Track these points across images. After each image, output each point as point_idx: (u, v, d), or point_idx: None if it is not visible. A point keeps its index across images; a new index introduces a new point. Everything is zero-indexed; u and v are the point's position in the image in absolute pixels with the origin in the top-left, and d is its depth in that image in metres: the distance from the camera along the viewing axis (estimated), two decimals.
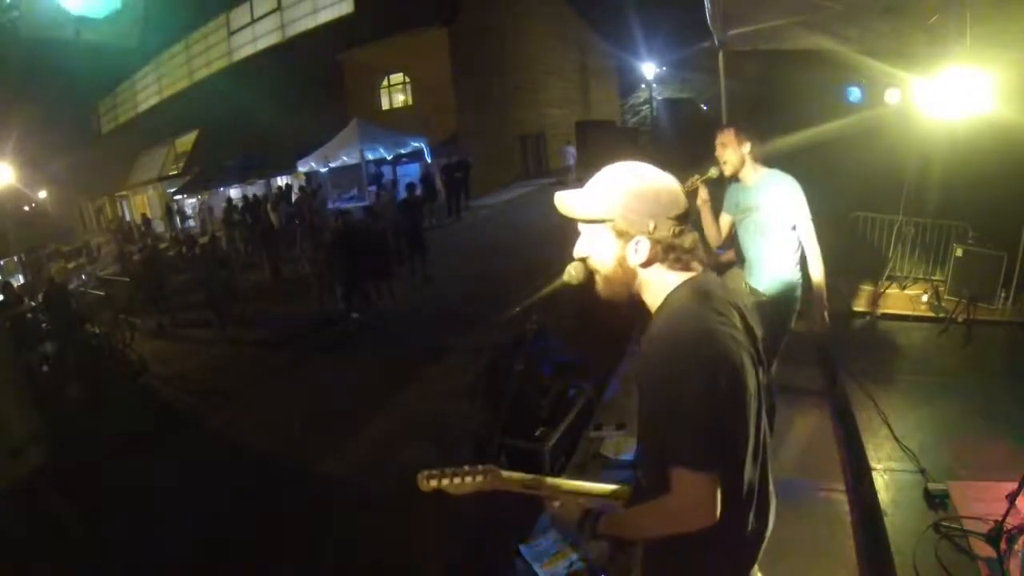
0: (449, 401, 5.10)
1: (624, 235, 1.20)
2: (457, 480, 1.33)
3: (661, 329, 1.18)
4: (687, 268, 1.23)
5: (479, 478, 1.34)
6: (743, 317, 1.23)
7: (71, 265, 15.48)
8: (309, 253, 9.81)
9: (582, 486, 1.44)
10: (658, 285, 1.23)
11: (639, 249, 1.19)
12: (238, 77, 22.86)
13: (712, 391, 1.09)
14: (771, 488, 1.31)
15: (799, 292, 2.89)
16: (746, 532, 1.25)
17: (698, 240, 1.24)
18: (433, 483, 1.33)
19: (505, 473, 1.37)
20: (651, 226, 1.18)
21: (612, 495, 1.44)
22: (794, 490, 2.92)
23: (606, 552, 2.54)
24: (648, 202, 1.19)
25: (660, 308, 1.22)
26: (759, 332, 1.28)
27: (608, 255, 1.23)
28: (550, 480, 1.42)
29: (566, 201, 1.24)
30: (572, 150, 18.01)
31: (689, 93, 22.84)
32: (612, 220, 1.20)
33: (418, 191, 11.62)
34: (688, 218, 1.22)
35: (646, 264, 1.21)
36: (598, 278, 1.27)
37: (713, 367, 1.10)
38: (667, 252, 1.20)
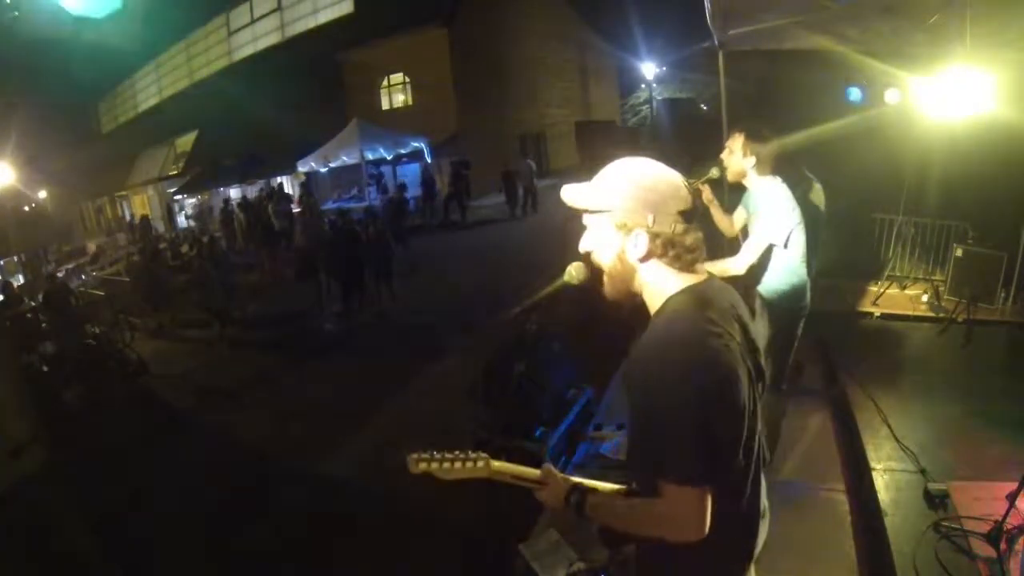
0: (449, 401, 5.09)
1: (623, 228, 1.19)
2: (447, 465, 1.31)
3: (652, 336, 1.16)
4: (689, 269, 1.20)
5: (469, 464, 1.32)
6: (744, 329, 1.20)
7: (71, 265, 15.50)
8: (295, 252, 9.91)
9: (571, 479, 1.44)
10: (658, 286, 1.21)
11: (637, 243, 1.18)
12: (238, 77, 22.83)
13: (702, 406, 1.07)
14: (763, 502, 1.30)
15: (804, 299, 2.83)
16: (735, 546, 1.25)
17: (701, 240, 1.21)
18: (423, 466, 1.31)
19: (496, 463, 1.35)
20: (650, 219, 1.17)
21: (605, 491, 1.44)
22: (794, 490, 2.93)
23: (606, 553, 2.54)
24: (648, 194, 1.17)
25: (657, 313, 1.20)
26: (761, 345, 1.26)
27: (609, 249, 1.22)
28: (541, 470, 1.40)
29: (571, 191, 1.24)
30: None
31: (689, 93, 22.84)
32: (612, 211, 1.19)
33: (406, 192, 12.28)
34: (693, 216, 1.19)
35: (645, 259, 1.19)
36: (604, 275, 1.26)
37: (701, 377, 1.07)
38: (666, 248, 1.18)
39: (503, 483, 1.37)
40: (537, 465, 1.40)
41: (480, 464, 1.33)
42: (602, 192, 1.21)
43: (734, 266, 2.68)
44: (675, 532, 1.13)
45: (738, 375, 1.12)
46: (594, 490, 1.33)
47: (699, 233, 1.21)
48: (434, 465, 1.31)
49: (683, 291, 1.19)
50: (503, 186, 15.73)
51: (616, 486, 1.41)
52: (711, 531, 1.12)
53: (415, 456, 1.31)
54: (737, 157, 2.74)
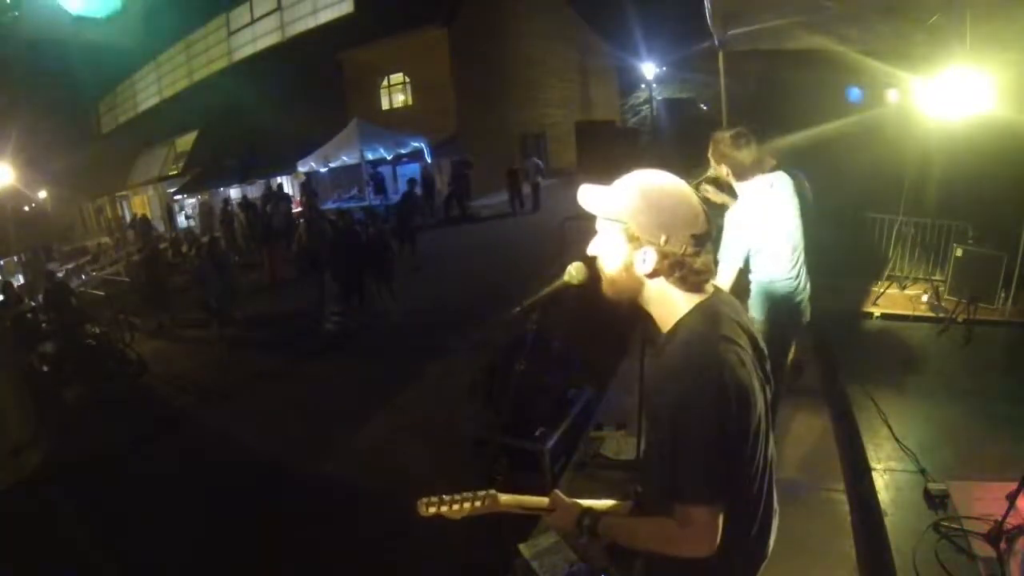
0: (449, 401, 5.10)
1: (635, 241, 1.19)
2: (456, 506, 1.34)
3: (670, 360, 1.17)
4: (696, 289, 1.21)
5: (477, 503, 1.35)
6: (752, 339, 1.23)
7: (71, 265, 15.51)
8: (297, 251, 9.90)
9: (580, 503, 1.46)
10: (664, 303, 1.22)
11: (646, 259, 1.18)
12: (238, 77, 22.84)
13: (722, 428, 1.09)
14: (775, 506, 1.32)
15: (790, 304, 2.79)
16: (748, 550, 1.27)
17: (711, 263, 1.22)
18: (432, 509, 1.34)
19: (503, 497, 1.38)
20: (662, 239, 1.16)
21: (611, 510, 1.45)
22: (794, 490, 2.93)
23: (606, 554, 2.54)
24: (664, 214, 1.17)
25: (671, 334, 1.21)
26: (767, 351, 1.28)
27: (616, 258, 1.22)
28: (549, 498, 1.43)
29: (588, 195, 1.24)
30: None
31: (689, 93, 22.81)
32: (625, 224, 1.19)
33: (418, 189, 12.15)
34: (707, 240, 1.19)
35: (651, 276, 1.20)
36: (604, 278, 1.27)
37: (725, 404, 1.09)
38: (674, 268, 1.18)
39: (512, 514, 1.41)
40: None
41: (488, 501, 1.36)
42: (619, 202, 1.20)
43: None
44: (687, 550, 1.16)
45: (754, 388, 1.15)
46: (604, 512, 1.36)
47: (710, 256, 1.21)
48: (444, 508, 1.34)
49: (693, 310, 1.20)
50: (507, 185, 15.80)
51: (621, 502, 1.43)
52: (728, 540, 1.14)
53: (424, 501, 1.34)
54: (712, 163, 2.73)
